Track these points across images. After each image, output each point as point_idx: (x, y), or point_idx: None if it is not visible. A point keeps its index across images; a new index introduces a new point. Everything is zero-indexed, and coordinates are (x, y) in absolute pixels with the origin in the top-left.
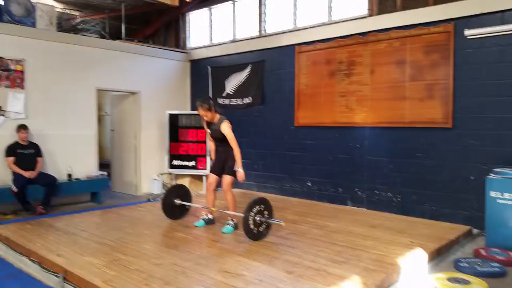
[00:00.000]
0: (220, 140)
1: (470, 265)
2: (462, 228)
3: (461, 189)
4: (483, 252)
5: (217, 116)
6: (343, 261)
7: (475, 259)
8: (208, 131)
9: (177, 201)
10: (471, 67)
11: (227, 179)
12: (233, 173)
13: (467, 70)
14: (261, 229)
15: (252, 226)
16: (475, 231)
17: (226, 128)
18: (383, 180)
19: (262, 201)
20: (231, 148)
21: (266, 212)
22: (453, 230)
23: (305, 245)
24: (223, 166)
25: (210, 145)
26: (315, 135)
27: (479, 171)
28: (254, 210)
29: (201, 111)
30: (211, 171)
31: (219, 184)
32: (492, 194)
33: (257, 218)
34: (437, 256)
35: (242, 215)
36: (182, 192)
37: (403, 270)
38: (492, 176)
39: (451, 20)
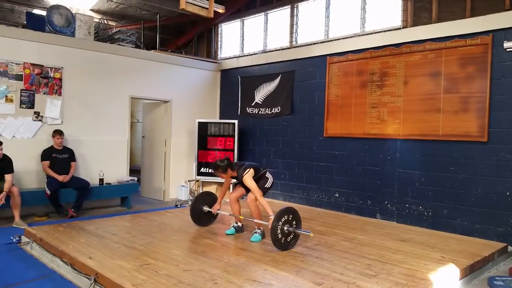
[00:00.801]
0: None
1: (506, 283)
2: (497, 245)
3: (496, 204)
4: None
5: (235, 172)
6: (373, 275)
7: (510, 278)
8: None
9: (205, 208)
10: (509, 81)
11: (257, 192)
12: (265, 190)
13: (505, 83)
14: (288, 239)
15: (280, 236)
16: (510, 248)
17: (247, 180)
18: (414, 193)
19: (291, 211)
20: (262, 176)
21: (294, 222)
22: (487, 246)
23: (334, 257)
24: (257, 184)
25: (222, 189)
26: (345, 146)
27: None
28: (283, 219)
29: (218, 174)
30: (242, 185)
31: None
32: None
33: (285, 228)
34: (470, 272)
35: (266, 223)
36: (210, 199)
37: (435, 286)
38: None
39: (489, 32)
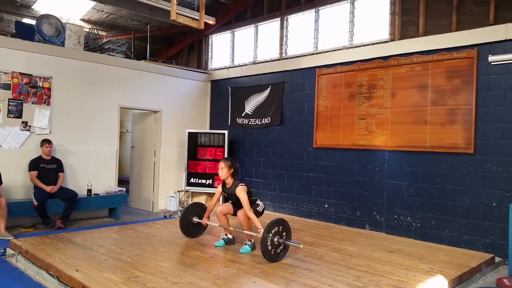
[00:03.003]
0: (236, 203)
1: None
2: (484, 256)
3: (483, 215)
4: (506, 281)
5: (232, 180)
6: (362, 286)
7: None
8: (223, 193)
9: (195, 219)
10: (494, 93)
11: (249, 210)
12: (257, 213)
13: (490, 96)
14: (278, 250)
15: (270, 248)
16: (497, 259)
17: (240, 192)
18: (402, 204)
19: (281, 222)
20: (254, 204)
21: (284, 234)
22: (474, 257)
23: (323, 268)
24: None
25: (211, 203)
26: (334, 156)
27: (502, 198)
28: (273, 231)
29: (221, 163)
30: (233, 204)
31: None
32: None
33: (275, 239)
34: (458, 284)
35: (256, 234)
36: (199, 209)
37: None
38: None
39: (474, 45)
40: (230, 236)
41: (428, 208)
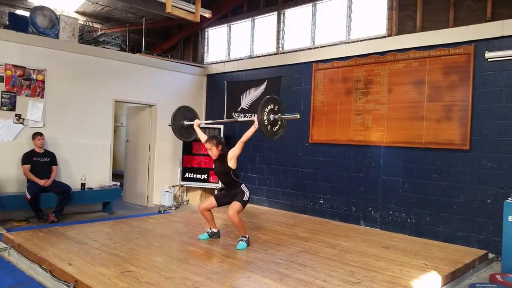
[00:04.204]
0: (224, 175)
1: None
2: (478, 252)
3: (477, 212)
4: (499, 277)
5: (221, 153)
6: (356, 282)
7: (491, 285)
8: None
9: (185, 122)
10: (491, 90)
11: (236, 204)
12: (244, 203)
13: (487, 92)
14: (275, 128)
15: (269, 128)
16: (491, 255)
17: (231, 151)
18: (398, 200)
19: (272, 99)
20: (237, 185)
21: (277, 109)
22: (468, 254)
23: (317, 264)
24: (231, 198)
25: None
26: (330, 152)
27: (497, 195)
28: (266, 110)
29: (207, 145)
30: (215, 197)
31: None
32: (510, 218)
33: (271, 117)
34: (452, 279)
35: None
36: (190, 114)
37: None
38: (510, 200)
39: (472, 42)
40: (214, 230)
41: (423, 204)
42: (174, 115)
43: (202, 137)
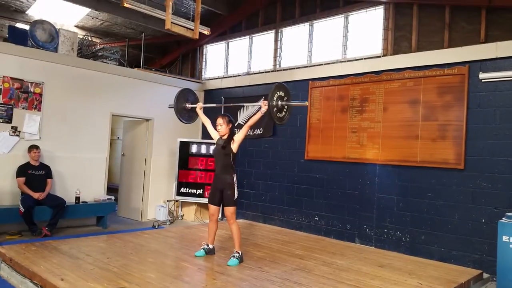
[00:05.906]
0: (223, 156)
1: None
2: (473, 272)
3: (472, 231)
4: None
5: (229, 133)
6: None
7: None
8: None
9: (188, 105)
10: (485, 110)
11: (229, 210)
12: (234, 203)
13: (480, 112)
14: (281, 114)
15: (277, 114)
16: (486, 275)
17: (236, 136)
18: (393, 218)
19: (281, 86)
20: (229, 171)
21: (285, 97)
22: (463, 273)
23: (312, 282)
24: (221, 196)
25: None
26: (325, 169)
27: (491, 215)
28: (276, 96)
29: (219, 120)
30: (210, 202)
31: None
32: (505, 238)
33: (279, 103)
34: None
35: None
36: (192, 97)
37: None
38: (504, 220)
39: (466, 62)
40: (210, 246)
41: (418, 223)
42: (177, 96)
43: (205, 120)
